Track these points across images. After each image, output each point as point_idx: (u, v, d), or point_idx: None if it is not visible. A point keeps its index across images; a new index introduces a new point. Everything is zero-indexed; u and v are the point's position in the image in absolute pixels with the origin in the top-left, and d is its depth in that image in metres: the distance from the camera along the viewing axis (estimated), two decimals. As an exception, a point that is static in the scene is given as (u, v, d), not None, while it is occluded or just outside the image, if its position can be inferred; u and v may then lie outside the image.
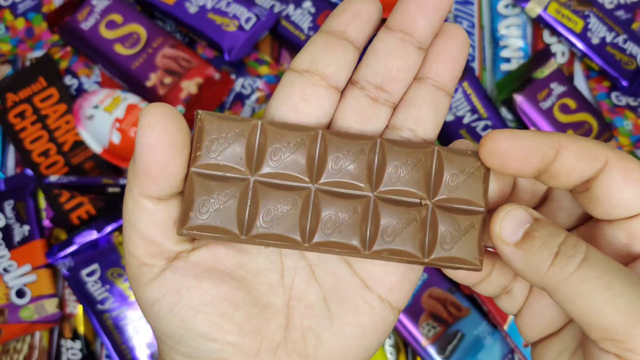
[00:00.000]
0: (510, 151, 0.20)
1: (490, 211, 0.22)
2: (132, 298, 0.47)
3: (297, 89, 0.21)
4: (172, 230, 0.21)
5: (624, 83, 0.52)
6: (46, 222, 0.51)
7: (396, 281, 0.23)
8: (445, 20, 0.42)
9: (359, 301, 0.22)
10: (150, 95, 0.51)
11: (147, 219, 0.20)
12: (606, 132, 0.51)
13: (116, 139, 0.49)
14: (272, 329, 0.22)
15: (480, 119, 0.51)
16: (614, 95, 0.54)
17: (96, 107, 0.49)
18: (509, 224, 0.20)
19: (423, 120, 0.22)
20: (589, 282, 0.18)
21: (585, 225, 0.22)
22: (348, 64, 0.22)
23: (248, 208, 0.21)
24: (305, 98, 0.21)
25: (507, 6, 0.56)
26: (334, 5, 0.54)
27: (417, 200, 0.21)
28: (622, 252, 0.20)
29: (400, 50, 0.21)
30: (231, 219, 0.20)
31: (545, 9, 0.54)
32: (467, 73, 0.52)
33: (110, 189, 0.49)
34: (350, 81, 0.22)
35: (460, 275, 0.22)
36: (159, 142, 0.19)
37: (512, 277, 0.23)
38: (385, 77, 0.21)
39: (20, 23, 0.56)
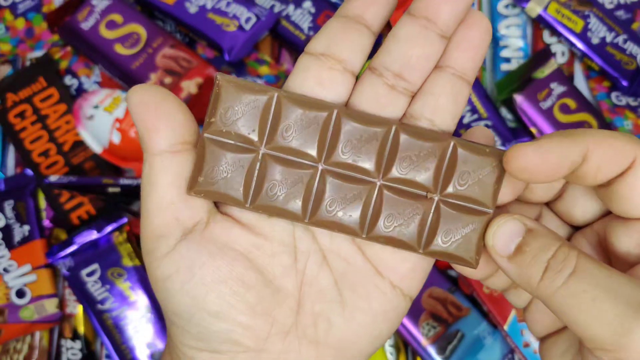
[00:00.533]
0: (539, 167, 0.19)
1: (499, 208, 0.22)
2: (132, 298, 0.47)
3: (313, 73, 0.21)
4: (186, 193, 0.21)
5: (624, 83, 0.52)
6: (46, 222, 0.51)
7: (408, 269, 0.23)
8: None
9: (371, 287, 0.22)
10: (150, 95, 0.51)
11: (162, 179, 0.21)
12: (606, 132, 0.51)
13: (116, 139, 0.49)
14: (284, 312, 0.22)
15: (480, 118, 0.51)
16: (614, 95, 0.54)
17: (96, 107, 0.49)
18: (502, 237, 0.20)
19: (441, 109, 0.21)
20: (575, 297, 0.19)
21: (601, 221, 0.22)
22: (364, 49, 0.21)
23: (255, 179, 0.21)
24: (321, 82, 0.21)
25: (507, 6, 0.56)
26: (334, 5, 0.54)
27: (424, 193, 0.21)
28: (633, 252, 0.20)
29: (422, 37, 0.20)
30: (237, 188, 0.21)
31: (545, 9, 0.54)
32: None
33: (110, 189, 0.49)
34: (369, 67, 0.22)
35: (468, 270, 0.23)
36: (148, 99, 0.21)
37: None
38: (404, 65, 0.21)
39: (20, 23, 0.56)
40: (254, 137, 0.21)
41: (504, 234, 0.20)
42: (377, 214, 0.21)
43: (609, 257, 0.22)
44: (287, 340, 0.22)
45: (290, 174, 0.21)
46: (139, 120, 0.21)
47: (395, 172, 0.21)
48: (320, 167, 0.21)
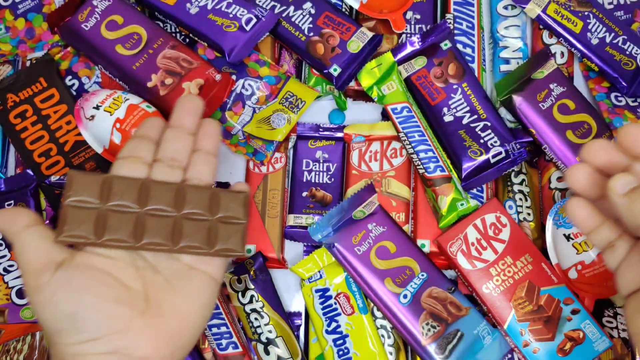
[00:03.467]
0: None
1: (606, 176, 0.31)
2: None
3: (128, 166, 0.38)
4: (53, 244, 0.34)
5: (624, 83, 0.52)
6: (46, 223, 0.51)
7: (209, 261, 0.37)
8: (444, 23, 0.53)
9: (190, 275, 0.36)
10: (151, 96, 0.51)
11: (32, 243, 0.34)
12: (605, 133, 0.51)
13: (117, 139, 0.49)
14: (138, 301, 0.34)
15: (479, 119, 0.51)
16: (613, 95, 0.54)
17: (97, 107, 0.50)
18: (620, 181, 0.28)
19: (203, 173, 0.39)
20: None
21: None
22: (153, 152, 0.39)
23: (99, 224, 0.35)
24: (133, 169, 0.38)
25: (506, 7, 0.56)
26: (334, 6, 0.54)
27: (206, 218, 0.37)
28: None
29: (180, 136, 0.39)
30: (89, 231, 0.35)
31: (545, 9, 0.54)
32: (467, 74, 0.53)
33: (111, 189, 0.49)
34: (155, 159, 0.38)
35: (578, 219, 0.32)
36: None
37: (617, 235, 0.31)
38: (174, 153, 0.38)
39: (20, 23, 0.56)
40: (96, 199, 0.36)
41: (624, 179, 0.28)
42: (179, 233, 0.36)
43: None
44: (145, 317, 0.33)
45: (123, 218, 0.35)
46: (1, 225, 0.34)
47: (186, 207, 0.37)
48: (141, 212, 0.36)
